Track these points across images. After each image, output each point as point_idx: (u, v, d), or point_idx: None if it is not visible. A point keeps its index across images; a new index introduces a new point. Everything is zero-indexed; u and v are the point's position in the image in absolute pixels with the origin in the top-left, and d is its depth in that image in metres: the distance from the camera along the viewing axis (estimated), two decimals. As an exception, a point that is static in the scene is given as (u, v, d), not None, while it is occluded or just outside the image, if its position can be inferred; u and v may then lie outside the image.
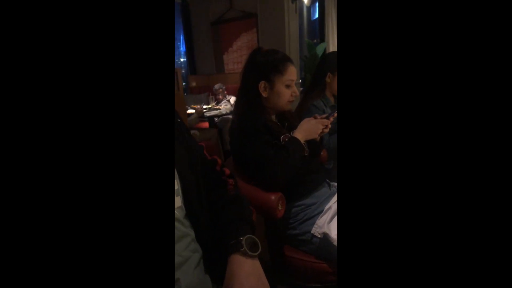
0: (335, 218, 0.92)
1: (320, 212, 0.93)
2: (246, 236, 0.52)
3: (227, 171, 0.68)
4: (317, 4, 4.47)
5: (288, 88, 0.93)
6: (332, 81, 1.38)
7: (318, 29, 4.52)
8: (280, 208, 0.82)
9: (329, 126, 0.94)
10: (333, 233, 0.86)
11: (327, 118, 0.94)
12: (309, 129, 0.91)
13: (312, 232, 0.90)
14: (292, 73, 0.93)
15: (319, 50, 3.86)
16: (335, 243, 0.83)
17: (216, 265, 0.55)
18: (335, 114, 0.97)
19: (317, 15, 4.53)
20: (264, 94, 0.93)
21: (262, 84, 0.92)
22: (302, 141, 0.89)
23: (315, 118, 0.95)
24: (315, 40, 4.46)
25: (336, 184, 1.09)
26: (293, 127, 1.03)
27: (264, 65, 0.92)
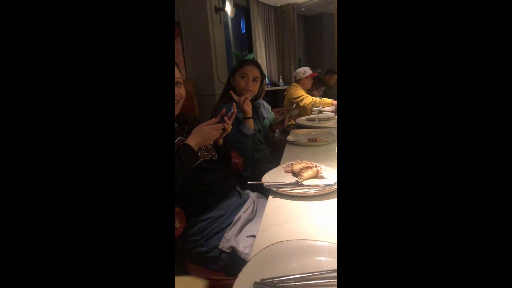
0: (244, 229, 0.87)
1: (229, 225, 0.87)
2: None
3: None
4: (243, 18, 4.61)
5: None
6: (235, 84, 1.38)
7: (246, 41, 4.65)
8: (177, 225, 0.73)
9: (228, 128, 0.89)
10: (241, 245, 0.80)
11: (221, 121, 0.88)
12: (201, 135, 0.85)
13: (220, 247, 0.83)
14: None
15: (247, 61, 3.96)
16: (243, 256, 0.78)
17: None
18: (232, 116, 0.89)
19: (244, 30, 4.67)
20: None
21: None
22: (195, 148, 0.83)
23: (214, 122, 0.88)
24: (244, 52, 4.56)
25: (249, 191, 1.05)
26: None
27: None
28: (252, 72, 1.38)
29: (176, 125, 0.95)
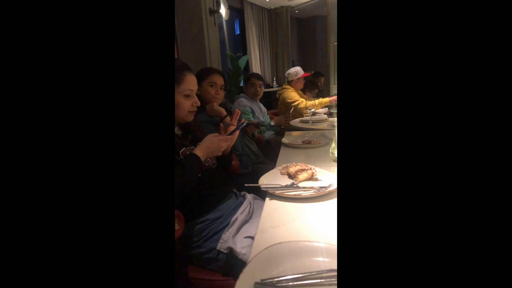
0: (241, 230, 0.88)
1: (226, 226, 0.89)
2: None
3: None
4: (237, 20, 4.63)
5: (187, 98, 0.88)
6: (202, 92, 1.40)
7: (240, 43, 4.67)
8: (176, 227, 0.74)
9: (235, 139, 0.92)
10: (239, 246, 0.82)
11: (231, 134, 0.91)
12: (210, 146, 0.86)
13: (217, 248, 0.84)
14: (190, 83, 0.89)
15: (242, 62, 3.98)
16: (240, 256, 0.80)
17: None
18: (237, 131, 0.94)
19: (238, 32, 4.69)
20: None
21: None
22: (202, 159, 0.83)
23: (220, 132, 0.92)
24: (238, 54, 4.58)
25: (245, 193, 1.07)
26: (197, 139, 0.98)
27: None
28: (220, 81, 1.42)
29: (180, 132, 0.96)
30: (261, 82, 2.17)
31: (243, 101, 2.09)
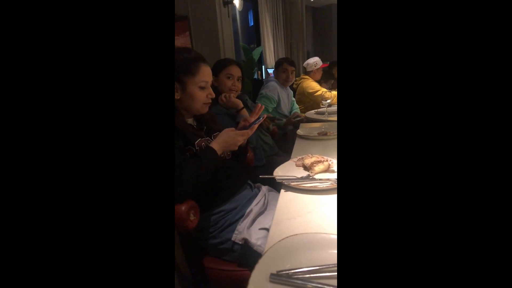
0: (256, 221, 0.88)
1: (241, 217, 0.89)
2: None
3: None
4: (251, 11, 4.57)
5: (202, 89, 0.88)
6: (219, 84, 1.38)
7: (254, 34, 4.62)
8: (192, 218, 0.75)
9: (250, 133, 0.90)
10: (254, 237, 0.82)
11: (249, 127, 0.90)
12: (227, 140, 0.85)
13: (232, 239, 0.85)
14: (205, 74, 0.88)
15: (256, 54, 3.94)
16: (255, 248, 0.80)
17: None
18: (256, 126, 0.92)
19: (252, 22, 4.63)
20: (176, 96, 0.86)
21: None
22: (219, 152, 0.83)
23: (242, 123, 0.92)
24: (252, 46, 4.53)
25: (260, 184, 1.06)
26: (212, 130, 0.98)
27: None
28: (237, 72, 1.39)
29: (194, 124, 0.96)
30: (293, 68, 2.13)
31: (273, 85, 2.05)
